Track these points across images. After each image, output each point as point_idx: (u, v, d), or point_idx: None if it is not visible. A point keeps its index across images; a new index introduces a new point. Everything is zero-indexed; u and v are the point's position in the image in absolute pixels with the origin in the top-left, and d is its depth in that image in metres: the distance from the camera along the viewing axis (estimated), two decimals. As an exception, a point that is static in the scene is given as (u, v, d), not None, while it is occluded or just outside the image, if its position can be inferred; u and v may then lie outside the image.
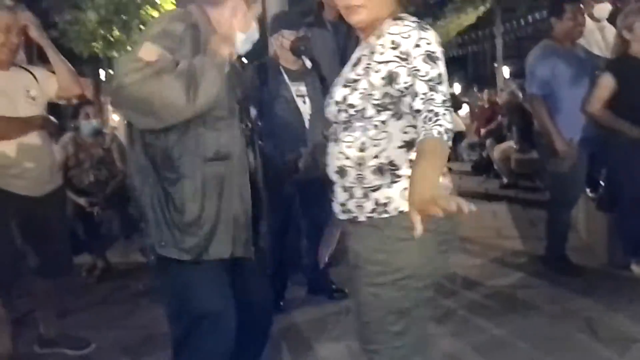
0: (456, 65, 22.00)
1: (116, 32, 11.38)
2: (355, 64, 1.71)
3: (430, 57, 1.56)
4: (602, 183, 4.07)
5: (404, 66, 1.57)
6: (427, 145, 1.45)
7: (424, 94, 1.52)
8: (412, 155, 1.63)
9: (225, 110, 1.87)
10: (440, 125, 1.46)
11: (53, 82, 2.91)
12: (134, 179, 1.89)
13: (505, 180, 7.56)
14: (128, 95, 1.69)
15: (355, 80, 1.67)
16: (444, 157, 1.48)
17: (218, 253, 1.86)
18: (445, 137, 1.46)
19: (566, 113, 3.67)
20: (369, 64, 1.65)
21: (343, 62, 4.76)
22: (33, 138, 2.81)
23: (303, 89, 3.42)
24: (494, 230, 5.24)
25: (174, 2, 11.77)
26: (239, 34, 1.90)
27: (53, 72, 2.93)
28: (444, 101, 1.52)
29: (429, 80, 1.53)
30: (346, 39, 4.44)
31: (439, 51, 1.59)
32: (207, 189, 1.83)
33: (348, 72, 1.72)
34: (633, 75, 3.45)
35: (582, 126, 3.70)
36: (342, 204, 1.72)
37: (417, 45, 1.57)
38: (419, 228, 1.33)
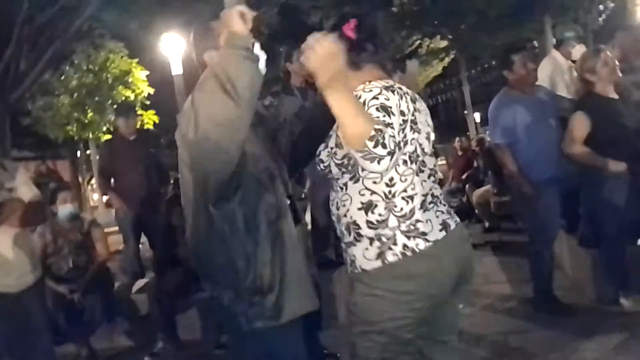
0: (428, 115, 22.65)
1: (90, 114, 11.53)
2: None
3: (383, 108, 1.67)
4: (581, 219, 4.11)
5: None
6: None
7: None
8: (370, 216, 1.77)
9: (270, 163, 1.91)
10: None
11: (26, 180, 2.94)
12: (203, 254, 1.88)
13: (487, 224, 7.59)
14: (197, 143, 1.71)
15: (329, 137, 1.83)
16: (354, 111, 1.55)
17: (295, 311, 1.88)
18: (377, 139, 1.52)
19: (534, 156, 3.74)
20: None
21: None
22: (8, 228, 2.78)
23: None
24: (482, 277, 5.20)
25: (146, 80, 12.03)
26: None
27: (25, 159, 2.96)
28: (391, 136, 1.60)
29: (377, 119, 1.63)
30: (314, 103, 4.54)
31: (395, 107, 1.68)
32: (277, 250, 1.85)
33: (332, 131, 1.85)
34: (604, 112, 3.56)
35: (552, 166, 3.77)
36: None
37: (375, 98, 1.69)
38: None
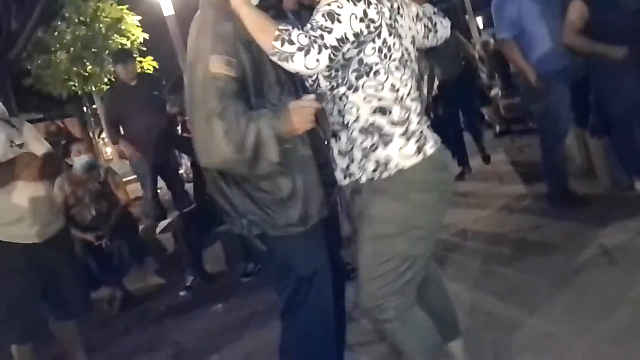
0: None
1: (89, 67, 11.39)
2: None
3: (329, 14, 1.66)
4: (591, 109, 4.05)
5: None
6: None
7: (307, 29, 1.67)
8: (390, 117, 1.77)
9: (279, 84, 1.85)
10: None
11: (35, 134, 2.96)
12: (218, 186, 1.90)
13: (497, 128, 7.56)
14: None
15: None
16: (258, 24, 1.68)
17: (317, 215, 1.90)
18: (283, 38, 1.63)
19: (541, 47, 3.66)
20: None
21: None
22: (25, 182, 2.82)
23: None
24: (496, 179, 5.26)
25: (139, 25, 11.78)
26: None
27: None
28: (316, 37, 1.64)
29: (316, 23, 1.66)
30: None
31: (345, 14, 1.66)
32: (293, 160, 1.84)
33: None
34: None
35: (561, 56, 3.66)
36: (344, 169, 1.85)
37: (327, 4, 1.68)
38: None
